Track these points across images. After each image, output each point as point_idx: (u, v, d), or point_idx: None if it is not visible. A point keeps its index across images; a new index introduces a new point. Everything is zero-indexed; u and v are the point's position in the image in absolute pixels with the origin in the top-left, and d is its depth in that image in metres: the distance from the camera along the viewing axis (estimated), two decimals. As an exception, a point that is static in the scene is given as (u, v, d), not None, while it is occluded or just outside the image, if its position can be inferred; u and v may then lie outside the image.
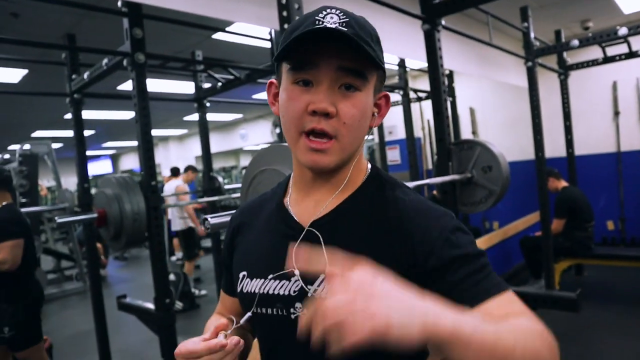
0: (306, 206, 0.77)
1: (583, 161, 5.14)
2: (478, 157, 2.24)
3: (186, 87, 5.92)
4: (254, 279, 0.76)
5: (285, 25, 1.55)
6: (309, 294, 0.70)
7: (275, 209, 0.80)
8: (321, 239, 0.72)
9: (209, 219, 1.12)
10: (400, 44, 3.00)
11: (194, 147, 12.48)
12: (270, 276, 0.74)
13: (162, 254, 2.32)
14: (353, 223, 0.73)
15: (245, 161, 16.30)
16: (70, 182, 11.22)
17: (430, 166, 6.16)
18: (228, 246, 0.86)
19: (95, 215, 2.31)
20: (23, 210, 4.33)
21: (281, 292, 0.73)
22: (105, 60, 2.42)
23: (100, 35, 3.68)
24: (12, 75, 4.91)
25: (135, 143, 2.19)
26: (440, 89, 2.29)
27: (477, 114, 5.90)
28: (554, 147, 5.06)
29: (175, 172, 7.71)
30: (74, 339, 4.40)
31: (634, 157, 5.31)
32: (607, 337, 3.34)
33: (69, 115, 2.89)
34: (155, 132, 2.58)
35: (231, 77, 3.43)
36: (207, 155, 4.03)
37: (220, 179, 4.31)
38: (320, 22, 0.66)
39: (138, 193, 2.26)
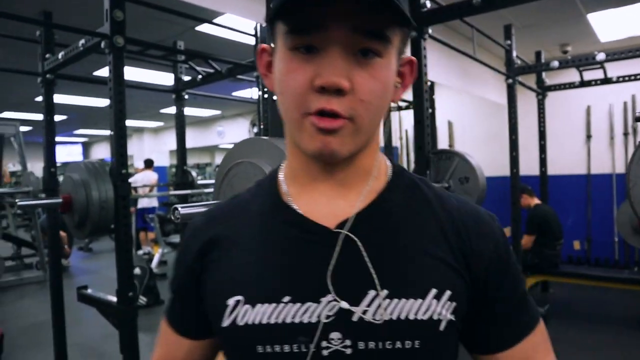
0: (316, 204, 0.60)
1: (555, 181, 5.26)
2: (456, 168, 2.24)
3: (165, 79, 5.81)
4: (258, 305, 0.56)
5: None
6: (355, 317, 0.54)
7: (273, 211, 0.62)
8: (359, 244, 0.56)
9: (179, 209, 1.07)
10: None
11: (169, 141, 12.29)
12: (287, 299, 0.55)
13: (128, 244, 2.23)
14: (395, 223, 0.60)
15: (220, 159, 16.12)
16: (37, 167, 10.86)
17: (406, 176, 6.19)
18: (191, 267, 0.63)
19: (59, 200, 2.22)
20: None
21: (306, 320, 0.54)
22: (82, 41, 2.32)
23: (79, 15, 3.57)
24: (-17, 51, 4.71)
25: (108, 132, 2.11)
26: (423, 97, 2.29)
27: (454, 127, 5.98)
28: (528, 165, 5.15)
29: (148, 163, 7.59)
30: (29, 330, 4.22)
31: (603, 180, 5.47)
32: (570, 352, 3.40)
33: (40, 98, 2.77)
34: (130, 123, 2.49)
35: (212, 70, 3.37)
36: (182, 149, 3.94)
37: (193, 173, 4.23)
38: None
39: (107, 181, 2.17)
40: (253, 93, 5.49)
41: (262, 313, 0.55)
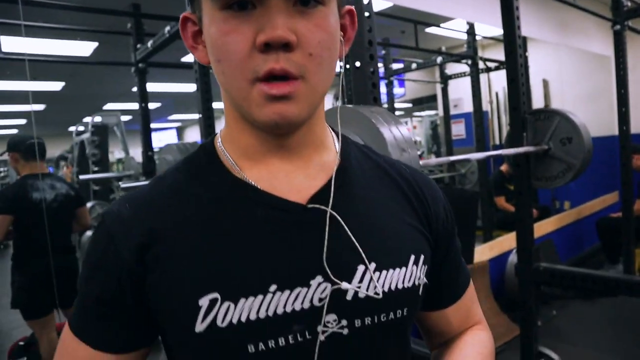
0: (275, 179, 0.54)
1: (673, 137, 4.67)
2: (556, 128, 2.04)
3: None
4: (242, 300, 0.48)
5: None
6: (349, 296, 0.51)
7: (227, 189, 0.54)
8: (338, 218, 0.52)
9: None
10: (470, 8, 2.79)
11: (255, 121, 12.70)
12: (273, 287, 0.49)
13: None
14: (362, 193, 0.57)
15: (304, 135, 16.39)
16: (138, 152, 11.79)
17: (497, 141, 5.85)
18: (126, 270, 0.51)
19: (158, 181, 2.36)
20: (93, 177, 4.55)
21: (298, 307, 0.49)
22: (167, 28, 2.42)
23: (164, 5, 3.73)
24: (84, 48, 5.13)
25: (198, 116, 2.19)
26: (517, 53, 2.10)
27: (551, 86, 5.50)
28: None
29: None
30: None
31: None
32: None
33: (135, 88, 2.96)
34: (216, 105, 2.58)
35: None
36: (266, 127, 4.04)
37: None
38: None
39: (199, 161, 2.27)
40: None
41: (247, 308, 0.48)
